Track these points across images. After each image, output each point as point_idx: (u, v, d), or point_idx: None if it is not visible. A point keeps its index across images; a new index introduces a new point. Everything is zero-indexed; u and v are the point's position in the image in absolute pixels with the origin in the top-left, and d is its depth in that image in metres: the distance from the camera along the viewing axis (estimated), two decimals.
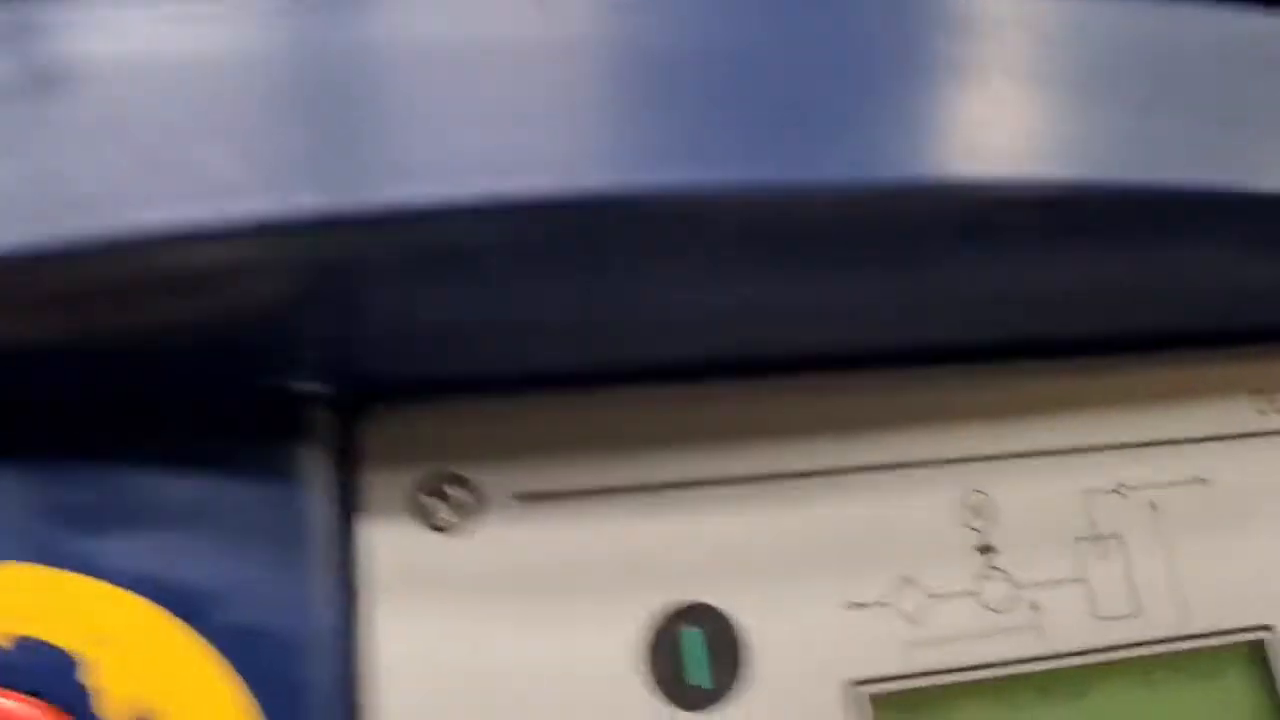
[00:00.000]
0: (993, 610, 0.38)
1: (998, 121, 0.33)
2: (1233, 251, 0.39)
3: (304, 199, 0.28)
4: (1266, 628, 0.40)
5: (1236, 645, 0.40)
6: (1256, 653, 0.40)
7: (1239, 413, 0.43)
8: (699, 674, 0.36)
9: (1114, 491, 0.41)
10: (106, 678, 0.31)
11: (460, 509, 0.36)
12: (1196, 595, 0.40)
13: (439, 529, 0.36)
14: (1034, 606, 0.39)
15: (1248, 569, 0.41)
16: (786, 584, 0.37)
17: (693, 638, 0.36)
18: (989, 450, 0.41)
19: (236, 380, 0.35)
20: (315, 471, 0.35)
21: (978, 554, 0.39)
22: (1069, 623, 0.39)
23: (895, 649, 0.37)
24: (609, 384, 0.38)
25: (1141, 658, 0.39)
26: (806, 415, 0.39)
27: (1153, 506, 0.41)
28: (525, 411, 0.38)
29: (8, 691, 0.31)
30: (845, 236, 0.33)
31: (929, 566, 0.39)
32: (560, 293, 0.34)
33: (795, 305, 0.37)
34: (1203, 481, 0.42)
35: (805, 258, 0.34)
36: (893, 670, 0.37)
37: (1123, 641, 0.39)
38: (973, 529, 0.39)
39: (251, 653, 0.33)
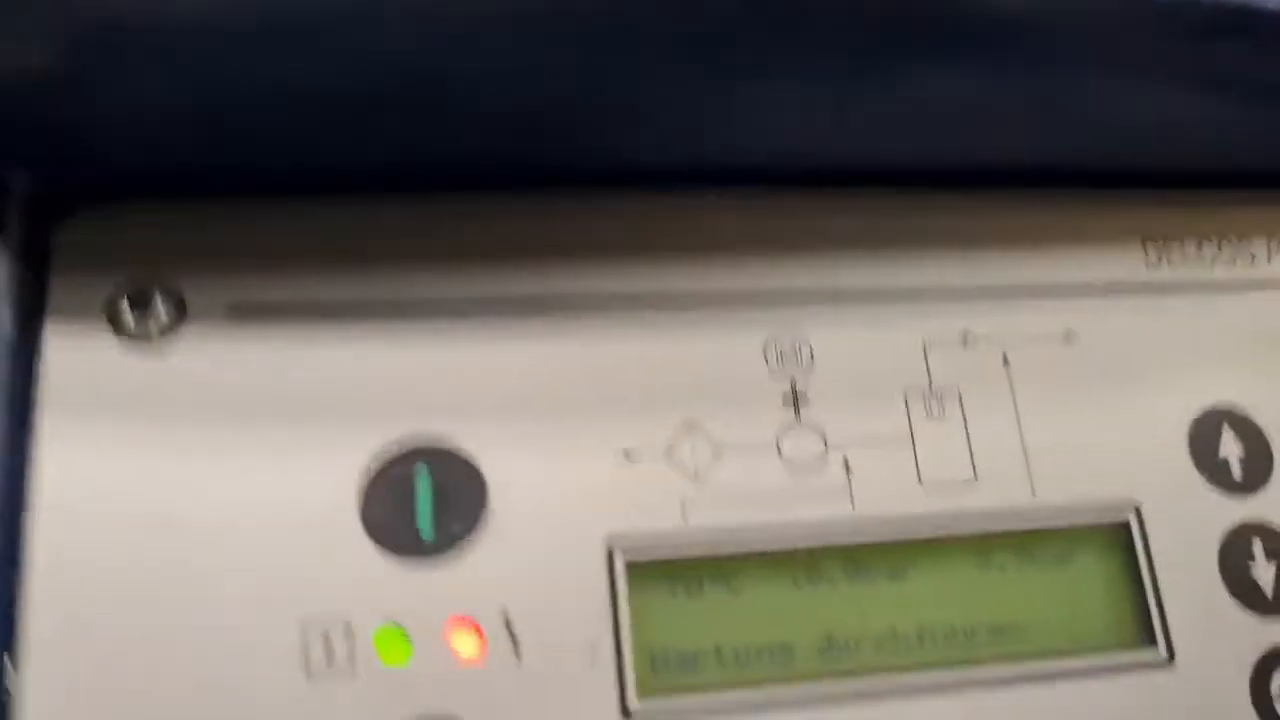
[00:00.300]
0: (796, 469, 0.33)
1: None
2: (1120, 76, 0.33)
3: None
4: (1130, 505, 0.34)
5: (1095, 527, 0.34)
6: (1118, 536, 0.34)
7: (1122, 263, 0.37)
8: (425, 521, 0.30)
9: (959, 341, 0.35)
10: None
11: (160, 320, 0.31)
12: (1050, 466, 0.34)
13: (135, 340, 0.31)
14: (847, 467, 0.33)
15: (1115, 439, 0.35)
16: (544, 424, 0.32)
17: (422, 480, 0.31)
18: (809, 285, 0.34)
19: None
20: None
21: (785, 404, 0.33)
22: (889, 489, 0.33)
23: (670, 507, 0.32)
24: (343, 191, 0.32)
25: (977, 535, 0.33)
26: (582, 234, 0.33)
27: (1005, 361, 0.35)
28: (243, 217, 0.32)
29: None
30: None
31: (723, 414, 0.33)
32: (285, 74, 0.28)
33: (570, 99, 0.31)
34: (1070, 336, 0.36)
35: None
36: (663, 531, 0.31)
37: (954, 514, 0.33)
38: (782, 375, 0.34)
39: None
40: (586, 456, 0.32)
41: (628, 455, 0.32)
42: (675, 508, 0.32)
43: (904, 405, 0.34)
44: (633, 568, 0.31)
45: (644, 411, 0.32)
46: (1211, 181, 0.38)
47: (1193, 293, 0.37)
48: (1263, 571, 0.34)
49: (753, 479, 0.32)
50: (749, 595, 0.32)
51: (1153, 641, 0.33)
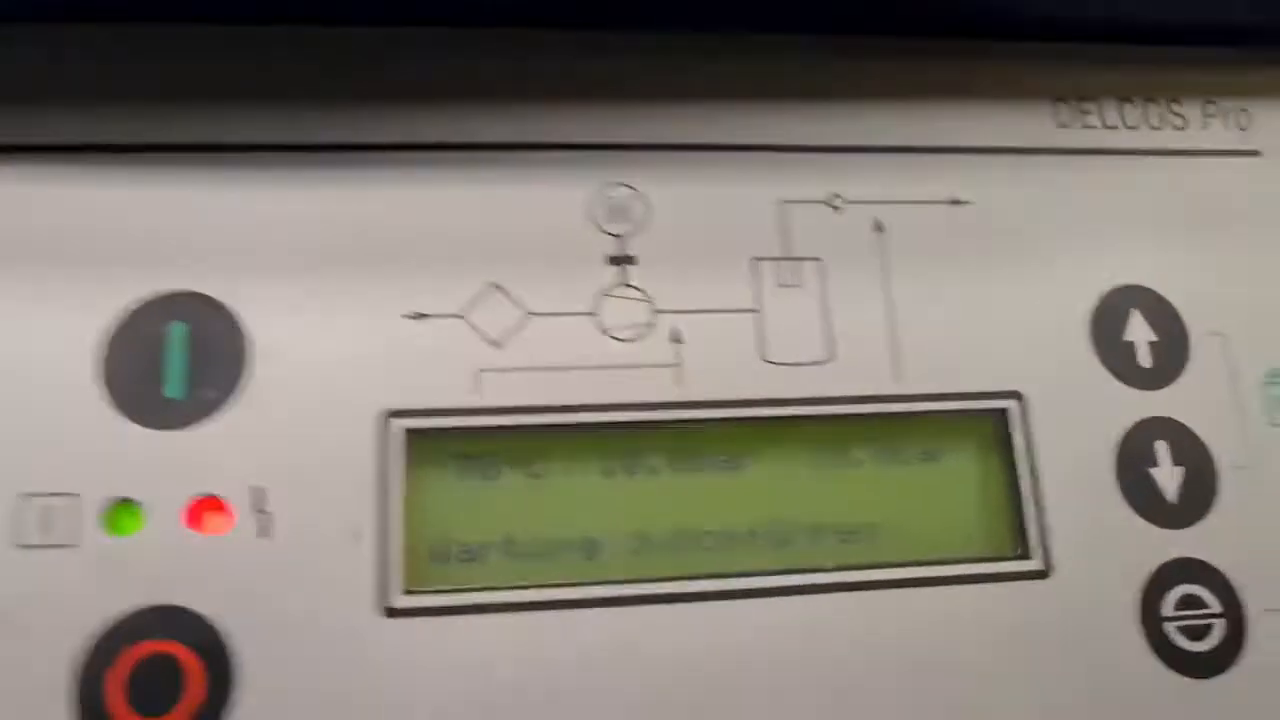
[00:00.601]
0: (616, 338, 0.28)
1: None
2: None
3: None
4: (1013, 395, 0.29)
5: (969, 418, 0.29)
6: (996, 429, 0.29)
7: (1027, 123, 0.32)
8: (175, 384, 0.27)
9: (824, 203, 0.30)
10: None
11: None
12: (922, 347, 0.29)
13: None
14: (678, 339, 0.28)
15: (1002, 320, 0.30)
16: (325, 282, 0.27)
17: (176, 337, 0.27)
18: (647, 137, 0.30)
19: None
20: None
21: (609, 264, 0.29)
22: (725, 367, 0.28)
23: (462, 377, 0.27)
24: (91, 16, 0.28)
25: (828, 424, 0.28)
26: (380, 75, 0.29)
27: (878, 228, 0.30)
28: None
29: None
30: None
31: (535, 275, 0.28)
32: None
33: None
34: (958, 203, 0.31)
35: None
36: (452, 404, 0.27)
37: (803, 398, 0.28)
38: (607, 233, 0.29)
39: None
40: (368, 317, 0.27)
41: (417, 318, 0.28)
42: (468, 378, 0.27)
43: (751, 273, 0.29)
44: (414, 443, 0.27)
45: (442, 271, 0.28)
46: (1140, 36, 0.32)
47: (1108, 160, 0.32)
48: (1166, 477, 0.29)
49: (564, 349, 0.28)
50: (552, 483, 0.28)
51: (1027, 551, 0.28)
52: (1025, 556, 0.28)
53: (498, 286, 0.28)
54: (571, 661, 0.26)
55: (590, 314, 0.28)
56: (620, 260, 0.29)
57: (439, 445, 0.27)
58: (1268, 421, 0.30)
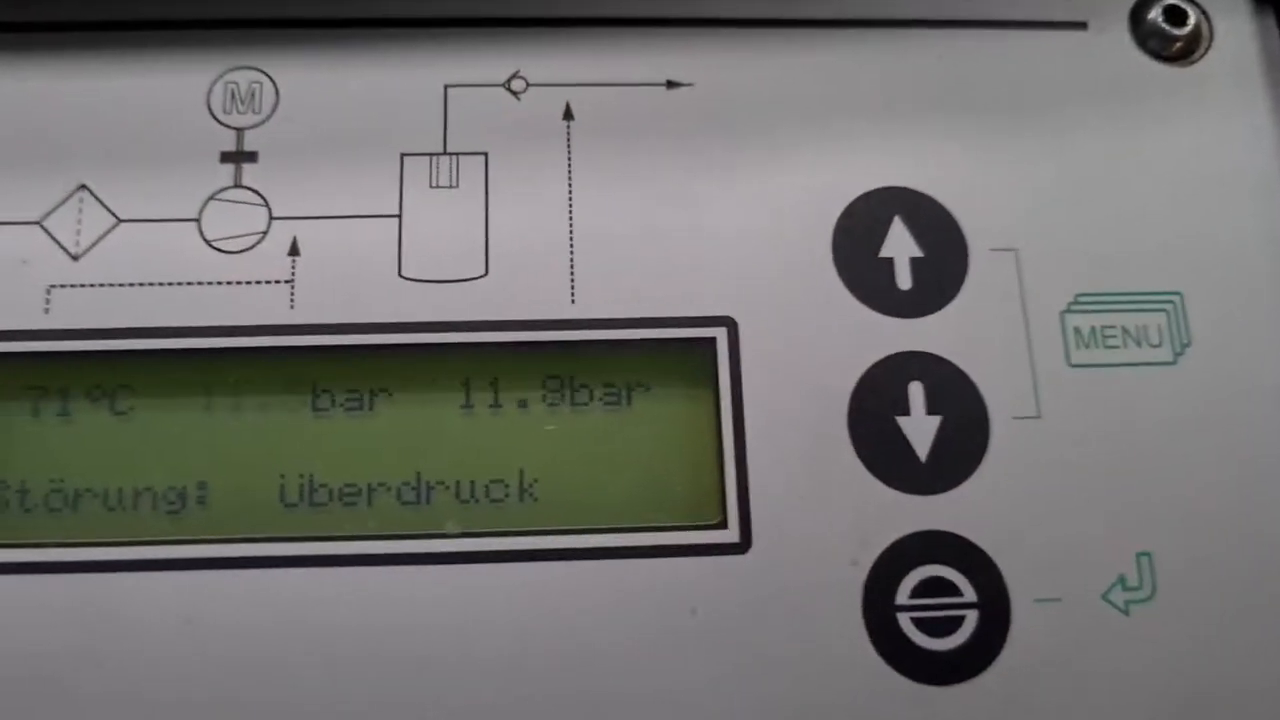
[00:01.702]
0: (220, 249, 0.23)
1: None
2: None
3: None
4: (723, 322, 0.23)
5: (666, 345, 0.23)
6: (697, 361, 0.23)
7: None
8: None
9: (502, 86, 0.24)
10: None
11: None
12: (609, 261, 0.23)
13: None
14: (295, 250, 0.23)
15: (711, 228, 0.24)
16: None
17: None
18: (276, 10, 0.25)
19: None
20: None
21: (223, 163, 0.24)
22: (353, 284, 0.23)
23: (32, 295, 0.23)
24: None
25: (483, 350, 0.23)
26: None
27: (568, 114, 0.24)
28: None
29: None
30: None
31: (133, 176, 0.23)
32: None
33: None
34: (674, 85, 0.25)
35: None
36: (15, 325, 0.23)
37: (450, 323, 0.23)
38: (226, 125, 0.24)
39: None
40: None
41: None
42: (37, 295, 0.23)
43: (397, 169, 0.24)
44: None
45: (18, 170, 0.24)
46: None
47: (878, 33, 0.25)
48: (918, 428, 0.23)
49: (157, 262, 0.23)
50: (137, 421, 0.23)
51: (725, 519, 0.22)
52: (721, 525, 0.22)
53: (85, 188, 0.24)
54: (134, 632, 0.21)
55: (192, 220, 0.23)
56: (236, 157, 0.24)
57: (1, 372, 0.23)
58: (1066, 361, 0.23)
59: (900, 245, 0.24)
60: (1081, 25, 0.26)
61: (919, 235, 0.24)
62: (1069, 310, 0.24)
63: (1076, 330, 0.24)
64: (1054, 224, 0.24)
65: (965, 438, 0.23)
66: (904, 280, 0.24)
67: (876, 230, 0.24)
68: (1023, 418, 0.23)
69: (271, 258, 0.23)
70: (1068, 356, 0.23)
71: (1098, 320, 0.24)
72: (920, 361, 0.23)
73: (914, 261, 0.24)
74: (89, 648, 0.21)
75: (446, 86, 0.24)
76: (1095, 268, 0.24)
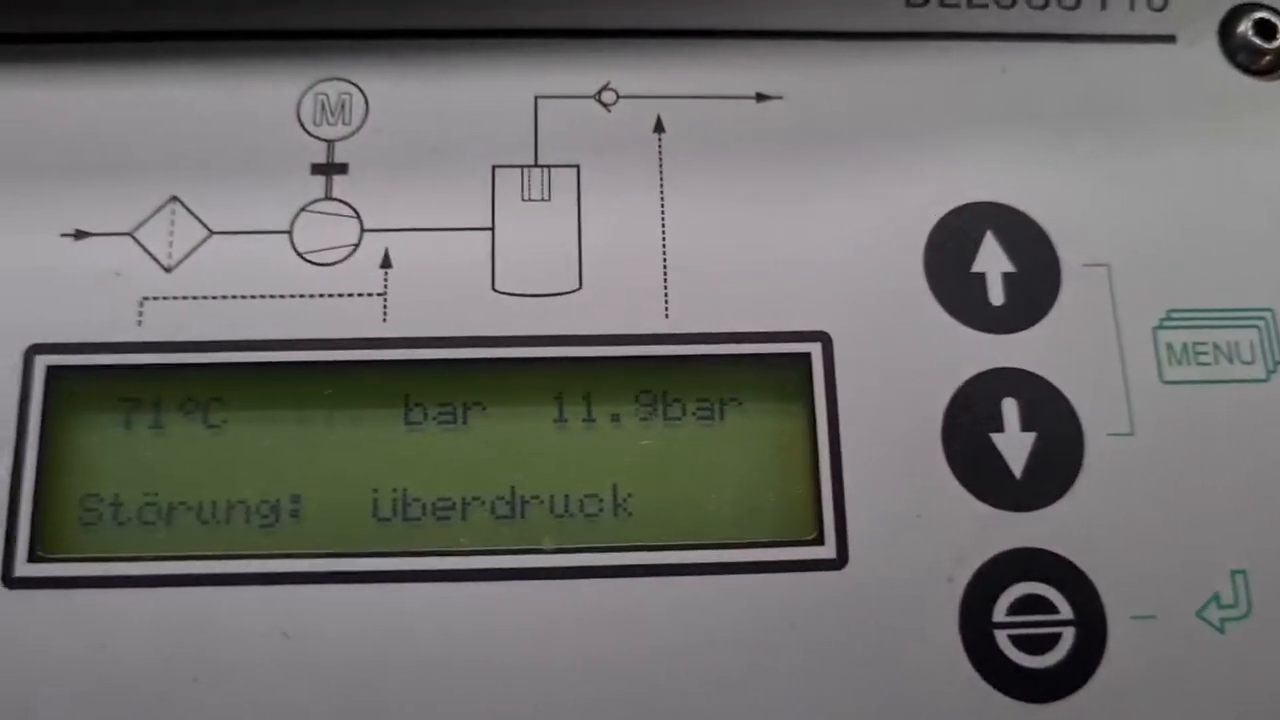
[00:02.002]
0: (313, 262, 0.23)
1: None
2: None
3: None
4: (817, 337, 0.23)
5: (761, 360, 0.23)
6: (791, 381, 0.23)
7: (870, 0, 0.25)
8: None
9: (592, 98, 0.24)
10: None
11: None
12: (702, 278, 0.23)
13: None
14: (387, 263, 0.23)
15: (804, 242, 0.24)
16: None
17: None
18: (366, 21, 0.24)
19: None
20: None
21: (313, 174, 0.24)
22: (447, 298, 0.23)
23: (125, 307, 0.23)
24: None
25: (576, 365, 0.23)
26: None
27: (659, 127, 0.24)
28: None
29: None
30: None
31: (223, 187, 0.23)
32: None
33: None
34: (764, 98, 0.25)
35: None
36: (109, 338, 0.23)
37: (545, 338, 0.23)
38: (315, 137, 0.24)
39: None
40: (18, 235, 0.23)
41: (77, 236, 0.23)
42: (129, 308, 0.23)
43: (488, 182, 0.24)
44: (58, 383, 0.22)
45: (110, 182, 0.23)
46: None
47: (968, 47, 0.25)
48: (1013, 445, 0.23)
49: (249, 275, 0.23)
50: (230, 435, 0.23)
51: (821, 535, 0.22)
52: (817, 541, 0.22)
53: (177, 200, 0.23)
54: (231, 645, 0.21)
55: (284, 232, 0.23)
56: (327, 169, 0.24)
57: (90, 387, 0.23)
58: (1158, 378, 0.23)
59: (992, 260, 0.24)
60: (1170, 39, 0.25)
61: (1011, 250, 0.24)
62: (1161, 326, 0.24)
63: (1169, 346, 0.23)
64: (1145, 239, 0.24)
65: (1060, 454, 0.23)
66: (996, 296, 0.24)
67: (968, 245, 0.24)
68: (1117, 434, 0.23)
69: (364, 270, 0.23)
70: (1160, 373, 0.23)
71: (1190, 336, 0.24)
72: (1014, 378, 0.23)
73: (1006, 277, 0.24)
74: (184, 662, 0.21)
75: (537, 98, 0.24)
76: (1186, 283, 0.24)
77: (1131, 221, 0.24)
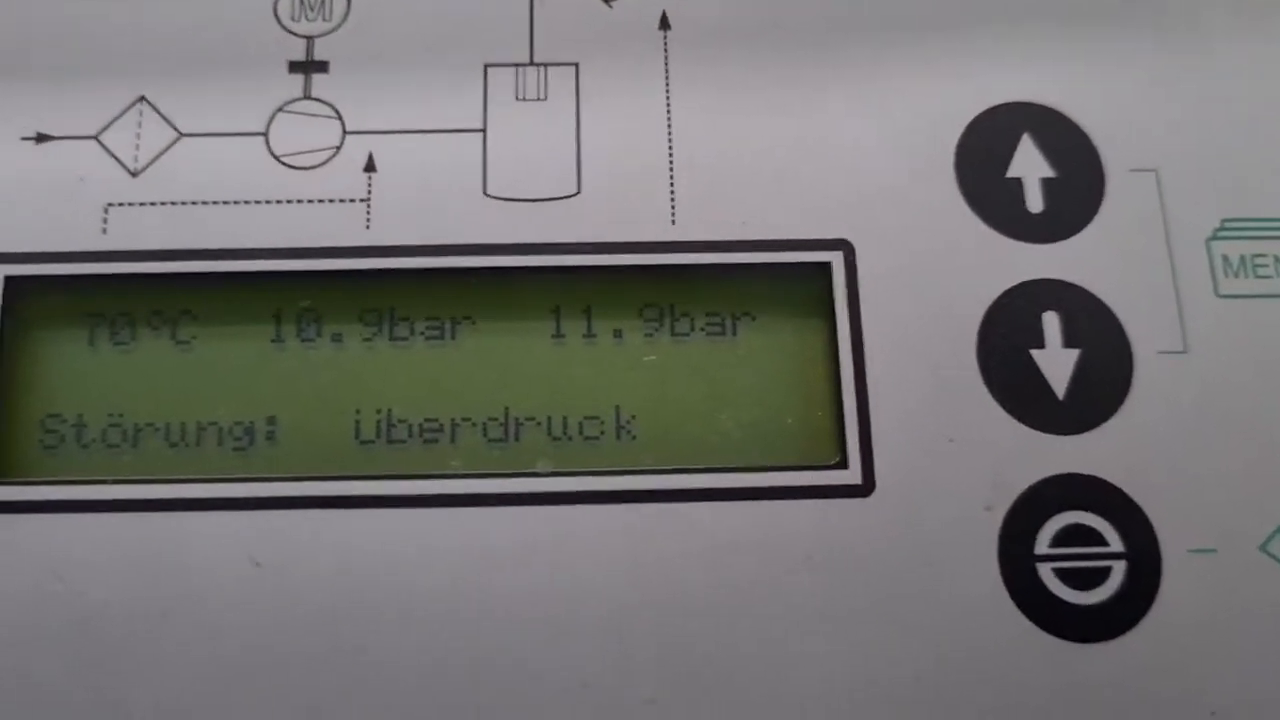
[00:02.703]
0: (290, 165, 0.21)
1: None
2: None
3: None
4: (838, 245, 0.21)
5: (776, 270, 0.21)
6: (809, 288, 0.21)
7: None
8: None
9: None
10: None
11: None
12: (710, 179, 0.21)
13: None
14: (370, 166, 0.21)
15: (822, 143, 0.22)
16: None
17: None
18: None
19: None
20: None
21: (291, 72, 0.22)
22: (435, 201, 0.21)
23: (86, 212, 0.21)
24: None
25: (574, 274, 0.21)
26: None
27: (664, 24, 0.22)
28: None
29: None
30: None
31: (195, 87, 0.22)
32: None
33: None
34: None
35: None
36: (71, 246, 0.21)
37: (538, 243, 0.21)
38: (293, 33, 0.22)
39: None
40: None
41: (39, 140, 0.21)
42: (93, 214, 0.21)
43: (480, 80, 0.22)
44: (19, 296, 0.21)
45: (72, 81, 0.22)
46: None
47: None
48: (1055, 362, 0.21)
49: (222, 179, 0.21)
50: (202, 350, 0.21)
51: (844, 459, 0.20)
52: (840, 465, 0.20)
53: (144, 100, 0.22)
54: (202, 576, 0.19)
55: (259, 134, 0.22)
56: (306, 66, 0.22)
57: (51, 299, 0.21)
58: (1214, 291, 0.21)
59: (1030, 165, 0.22)
60: None
61: (1050, 154, 0.22)
62: (1215, 237, 0.22)
63: (1224, 258, 0.21)
64: (1197, 143, 0.22)
65: (1106, 373, 0.21)
66: (1035, 202, 0.22)
67: (1003, 148, 0.22)
68: (1168, 352, 0.21)
69: (345, 174, 0.21)
70: (1215, 286, 0.21)
71: (1247, 248, 0.22)
72: (1054, 290, 0.21)
73: (1045, 182, 0.22)
74: (150, 590, 0.19)
75: None
76: (1243, 191, 0.22)
77: (1182, 123, 0.22)
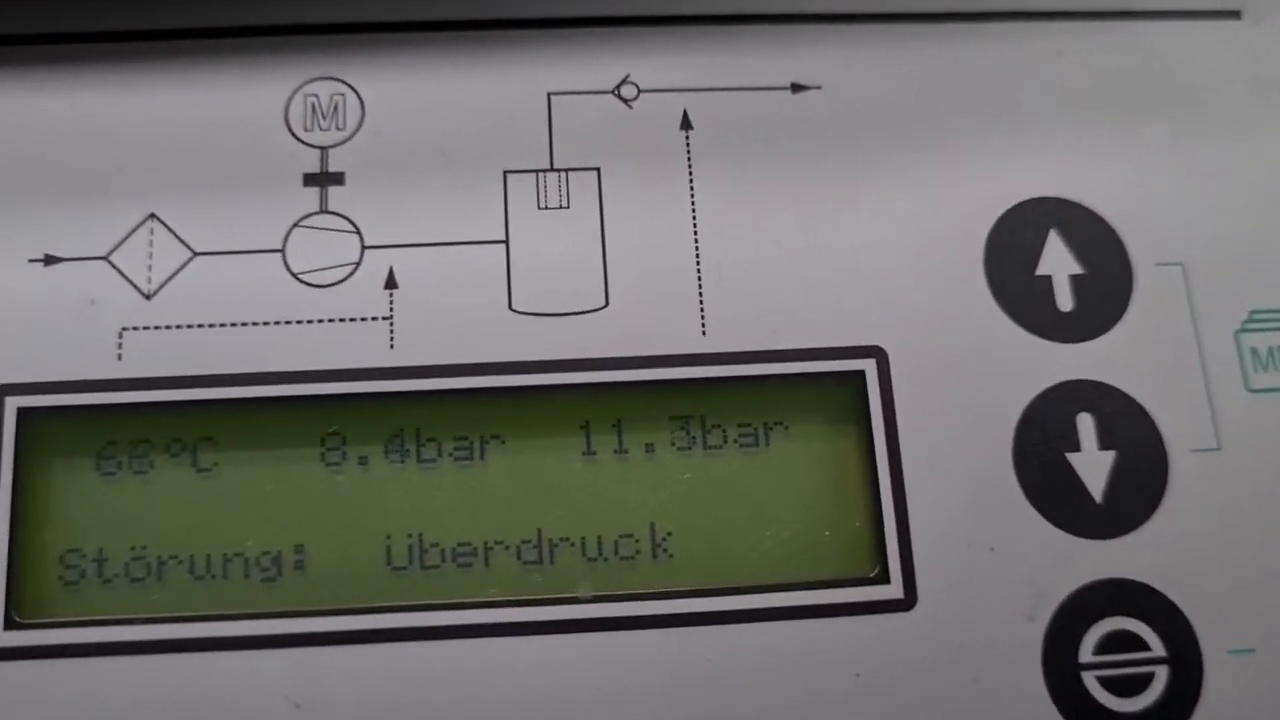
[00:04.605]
0: (309, 283, 0.21)
1: None
2: None
3: None
4: (871, 352, 0.21)
5: (811, 380, 0.21)
6: (844, 397, 0.21)
7: None
8: None
9: (611, 93, 0.22)
10: None
11: None
12: (742, 287, 0.21)
13: None
14: (391, 283, 0.21)
15: (852, 248, 0.21)
16: None
17: None
18: (358, 14, 0.22)
19: None
20: None
21: (305, 186, 0.21)
22: (459, 319, 0.21)
23: (101, 338, 0.20)
24: None
25: (605, 391, 0.21)
26: None
27: (685, 124, 0.22)
28: None
29: None
30: None
31: (206, 203, 0.21)
32: None
33: None
34: (800, 89, 0.22)
35: None
36: (85, 374, 0.20)
37: (568, 361, 0.21)
38: (306, 144, 0.22)
39: None
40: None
41: (47, 262, 0.21)
42: (108, 340, 0.20)
43: (500, 189, 0.21)
44: (31, 426, 0.20)
45: (81, 200, 0.21)
46: None
47: (1022, 27, 0.23)
48: (1091, 465, 0.21)
49: (239, 300, 0.21)
50: (224, 480, 0.20)
51: (885, 573, 0.20)
52: (881, 580, 0.20)
53: (155, 218, 0.21)
54: (244, 716, 0.19)
55: (276, 251, 0.21)
56: (321, 179, 0.21)
57: (67, 429, 0.20)
58: (1244, 386, 0.21)
59: (1058, 261, 0.22)
60: (1235, 14, 0.23)
61: (1077, 250, 0.22)
62: (1244, 329, 0.22)
63: (1254, 351, 0.21)
64: (1222, 234, 0.22)
65: (1143, 475, 0.21)
66: (1064, 301, 0.21)
67: (1031, 246, 0.22)
68: (1202, 450, 0.21)
69: (366, 291, 0.21)
70: (1246, 381, 0.21)
71: (1275, 339, 0.22)
72: (1088, 391, 0.21)
73: (1074, 279, 0.22)
74: None
75: (550, 94, 0.22)
76: (1270, 281, 0.22)
77: (1207, 215, 0.22)
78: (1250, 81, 0.23)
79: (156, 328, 0.20)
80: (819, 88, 0.22)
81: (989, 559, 0.20)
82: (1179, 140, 0.22)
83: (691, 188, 0.22)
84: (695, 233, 0.21)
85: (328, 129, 0.22)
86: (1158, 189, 0.22)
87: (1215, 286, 0.22)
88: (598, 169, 0.22)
